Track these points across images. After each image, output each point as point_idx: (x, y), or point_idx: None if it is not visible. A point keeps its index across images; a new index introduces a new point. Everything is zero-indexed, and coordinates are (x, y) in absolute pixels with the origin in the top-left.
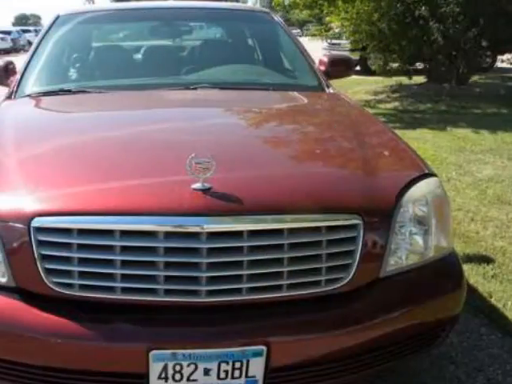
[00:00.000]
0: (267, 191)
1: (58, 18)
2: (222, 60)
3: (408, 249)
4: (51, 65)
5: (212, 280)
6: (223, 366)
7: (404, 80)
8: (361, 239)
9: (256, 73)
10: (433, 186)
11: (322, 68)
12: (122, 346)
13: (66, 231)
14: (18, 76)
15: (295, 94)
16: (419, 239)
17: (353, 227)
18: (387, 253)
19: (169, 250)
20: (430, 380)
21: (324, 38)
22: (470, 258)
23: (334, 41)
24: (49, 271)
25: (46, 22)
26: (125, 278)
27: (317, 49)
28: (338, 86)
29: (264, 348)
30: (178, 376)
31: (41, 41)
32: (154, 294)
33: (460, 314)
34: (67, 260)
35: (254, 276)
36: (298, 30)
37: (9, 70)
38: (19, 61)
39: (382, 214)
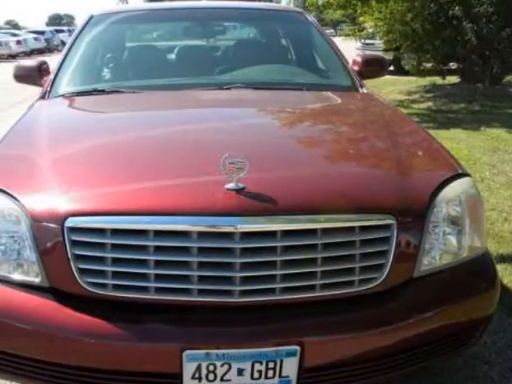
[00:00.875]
0: (301, 191)
1: (91, 18)
2: (256, 60)
3: (442, 249)
4: (85, 65)
5: (245, 280)
6: (257, 366)
7: (437, 80)
8: (394, 239)
9: (289, 73)
10: (466, 185)
11: (356, 68)
12: (156, 346)
13: (100, 231)
14: (51, 76)
15: (329, 93)
16: (453, 239)
17: (386, 227)
18: (421, 253)
19: (202, 250)
20: (463, 380)
21: (358, 38)
22: (504, 258)
23: (368, 41)
24: (82, 271)
25: (79, 21)
26: (158, 278)
27: (350, 49)
28: (371, 85)
29: (298, 348)
30: (211, 376)
31: (74, 41)
32: (187, 294)
33: (494, 314)
34: (101, 260)
35: (288, 276)
36: (332, 30)
37: (42, 70)
38: (53, 61)
39: (415, 214)
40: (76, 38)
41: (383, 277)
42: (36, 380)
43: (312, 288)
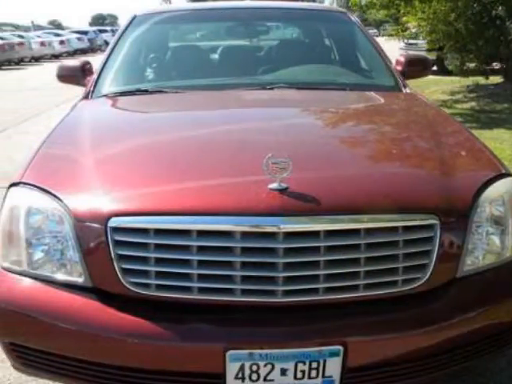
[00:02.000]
0: (344, 191)
1: (134, 18)
2: (299, 60)
3: (485, 249)
4: (128, 65)
5: (288, 280)
6: (300, 366)
7: (481, 80)
8: (438, 239)
9: (333, 73)
10: (509, 185)
11: (399, 68)
12: (199, 346)
13: (143, 231)
14: (94, 76)
15: (372, 93)
16: (496, 239)
17: (430, 227)
18: (464, 253)
19: (245, 250)
20: (506, 380)
21: (401, 38)
22: None
23: (411, 41)
24: (125, 271)
25: (122, 21)
26: (201, 278)
27: (394, 49)
28: (414, 85)
29: (341, 348)
30: (254, 376)
31: (117, 41)
32: (230, 294)
33: None
34: (144, 260)
35: (331, 276)
36: (375, 30)
37: (86, 70)
38: (96, 61)
39: (458, 214)
40: (119, 38)
41: (426, 277)
42: (79, 380)
43: (355, 288)
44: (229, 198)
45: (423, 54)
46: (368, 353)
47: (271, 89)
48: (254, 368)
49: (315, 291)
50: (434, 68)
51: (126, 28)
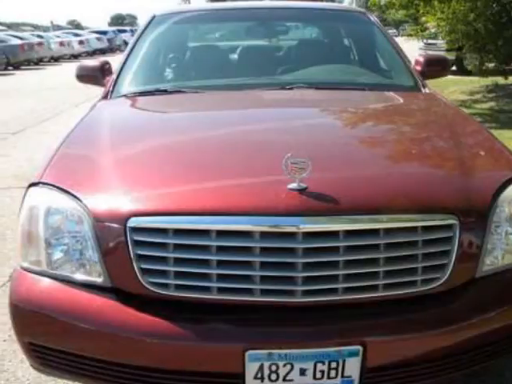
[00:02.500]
0: (363, 191)
1: (153, 18)
2: (318, 60)
3: (504, 249)
4: (147, 65)
5: (308, 280)
6: (319, 366)
7: (500, 80)
8: (457, 239)
9: (352, 73)
10: None
11: (418, 68)
12: (219, 346)
13: (162, 231)
14: (113, 76)
15: (391, 93)
16: None
17: (449, 227)
18: (483, 253)
19: (265, 250)
20: None
21: (420, 38)
22: None
23: (430, 41)
24: (144, 271)
25: (141, 22)
26: (221, 277)
27: (413, 49)
28: (433, 85)
29: (360, 348)
30: (273, 376)
31: (137, 41)
32: (249, 294)
33: None
34: (163, 260)
35: (350, 276)
36: (394, 30)
37: (105, 69)
38: (115, 61)
39: (478, 214)
40: (138, 38)
41: (446, 277)
42: (98, 380)
43: (374, 288)
44: (248, 198)
45: (442, 54)
46: (387, 353)
47: (290, 89)
48: (273, 368)
49: (334, 291)
50: (453, 68)
51: (146, 28)
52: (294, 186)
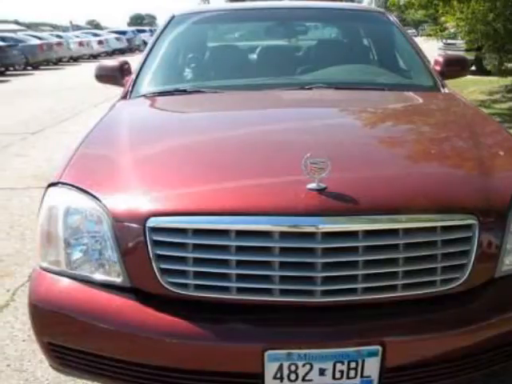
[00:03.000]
0: (382, 191)
1: (173, 18)
2: (337, 60)
3: None
4: (166, 65)
5: (327, 280)
6: (338, 366)
7: None
8: (476, 239)
9: (371, 73)
10: None
11: (437, 68)
12: (238, 346)
13: (181, 231)
14: (133, 76)
15: (410, 94)
16: None
17: (468, 227)
18: (502, 253)
19: (284, 250)
20: None
21: (439, 38)
22: None
23: (450, 41)
24: (164, 271)
25: (160, 22)
26: (240, 277)
27: (432, 49)
28: (452, 85)
29: (379, 348)
30: (293, 376)
31: (156, 41)
32: (269, 294)
33: None
34: (182, 260)
35: (369, 276)
36: (413, 30)
37: (124, 70)
38: (134, 61)
39: (497, 214)
40: (157, 38)
41: (465, 277)
42: (117, 380)
43: (394, 288)
44: (267, 198)
45: (462, 54)
46: (406, 353)
47: (310, 89)
48: (293, 368)
49: (354, 291)
50: (473, 68)
51: (165, 28)
52: (313, 186)
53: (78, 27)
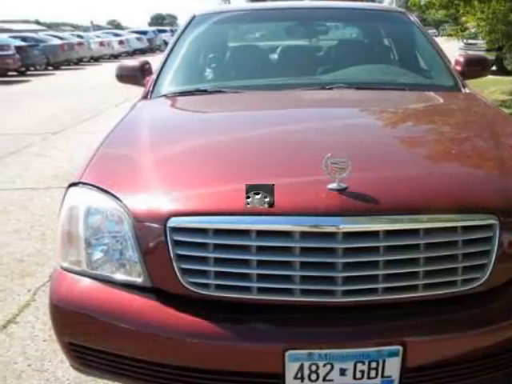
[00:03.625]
0: (403, 191)
1: (193, 18)
2: (358, 60)
3: None
4: (187, 65)
5: (348, 280)
6: (359, 366)
7: None
8: (497, 239)
9: (392, 73)
10: None
11: (458, 68)
12: (259, 346)
13: (202, 231)
14: (153, 76)
15: (431, 93)
16: None
17: (489, 227)
18: None
19: (304, 250)
20: None
21: (460, 38)
22: None
23: (470, 41)
24: (184, 271)
25: (181, 22)
26: (261, 277)
27: (453, 49)
28: (473, 85)
29: (400, 348)
30: (313, 376)
31: (177, 41)
32: (289, 294)
33: None
34: (203, 260)
35: (390, 276)
36: (434, 30)
37: (145, 69)
38: (155, 61)
39: None
40: (178, 38)
41: (486, 277)
42: (138, 380)
43: (414, 288)
44: (288, 198)
45: (482, 53)
46: (427, 353)
47: (330, 89)
48: (314, 368)
49: (374, 291)
50: (493, 68)
51: (186, 28)
52: (334, 186)
53: (98, 27)
